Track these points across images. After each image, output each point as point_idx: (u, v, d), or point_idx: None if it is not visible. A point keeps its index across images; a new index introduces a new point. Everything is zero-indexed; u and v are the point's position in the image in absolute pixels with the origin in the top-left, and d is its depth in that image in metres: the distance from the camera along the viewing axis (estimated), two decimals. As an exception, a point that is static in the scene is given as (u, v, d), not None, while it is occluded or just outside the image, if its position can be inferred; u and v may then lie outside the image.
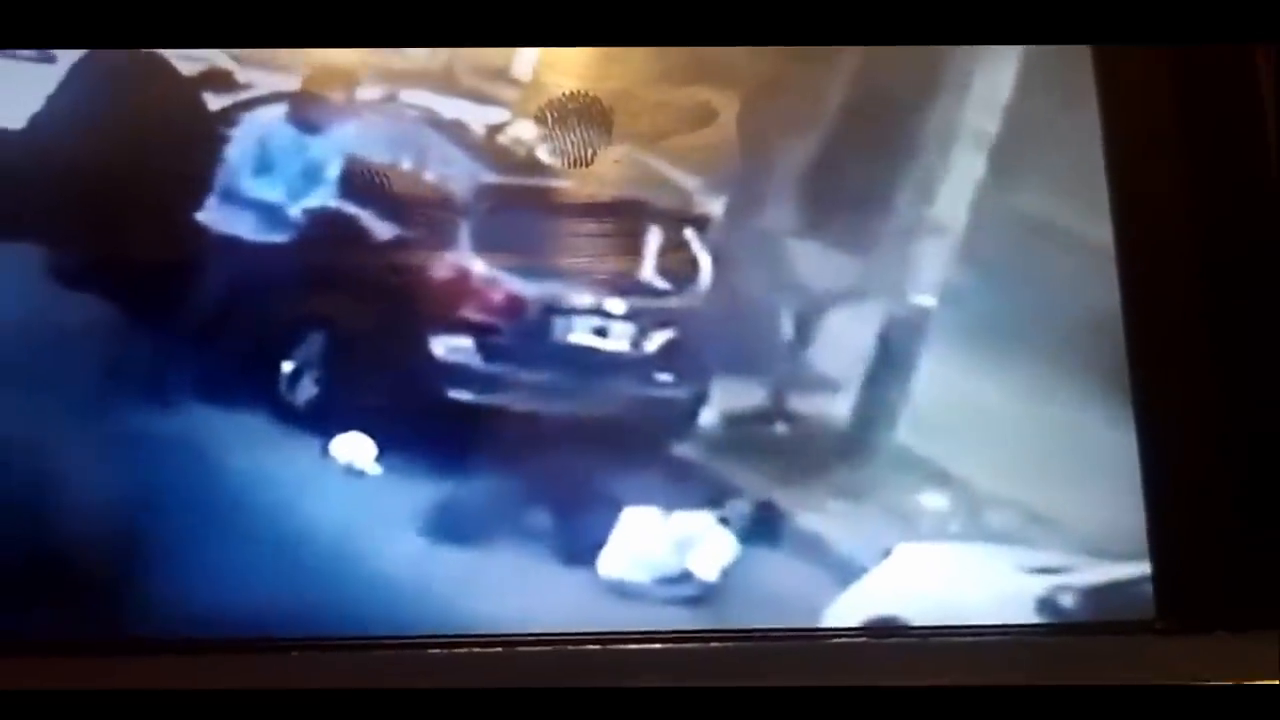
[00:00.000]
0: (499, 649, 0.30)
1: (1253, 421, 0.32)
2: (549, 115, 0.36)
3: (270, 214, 0.35)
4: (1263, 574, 0.31)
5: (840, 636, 0.32)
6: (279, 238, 0.35)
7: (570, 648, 0.30)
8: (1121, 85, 0.34)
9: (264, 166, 0.36)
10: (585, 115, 0.35)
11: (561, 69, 0.36)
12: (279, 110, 0.36)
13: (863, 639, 0.31)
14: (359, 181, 0.35)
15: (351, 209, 0.35)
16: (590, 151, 0.35)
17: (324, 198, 0.35)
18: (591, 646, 0.30)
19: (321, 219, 0.35)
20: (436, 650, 0.31)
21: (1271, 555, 0.31)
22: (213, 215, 0.35)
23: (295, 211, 0.35)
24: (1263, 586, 0.31)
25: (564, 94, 0.35)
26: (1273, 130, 0.33)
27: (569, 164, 0.35)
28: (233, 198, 0.35)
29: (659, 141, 0.35)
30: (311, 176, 0.36)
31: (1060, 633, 0.32)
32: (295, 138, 0.36)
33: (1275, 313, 0.32)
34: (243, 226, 0.35)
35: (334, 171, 0.35)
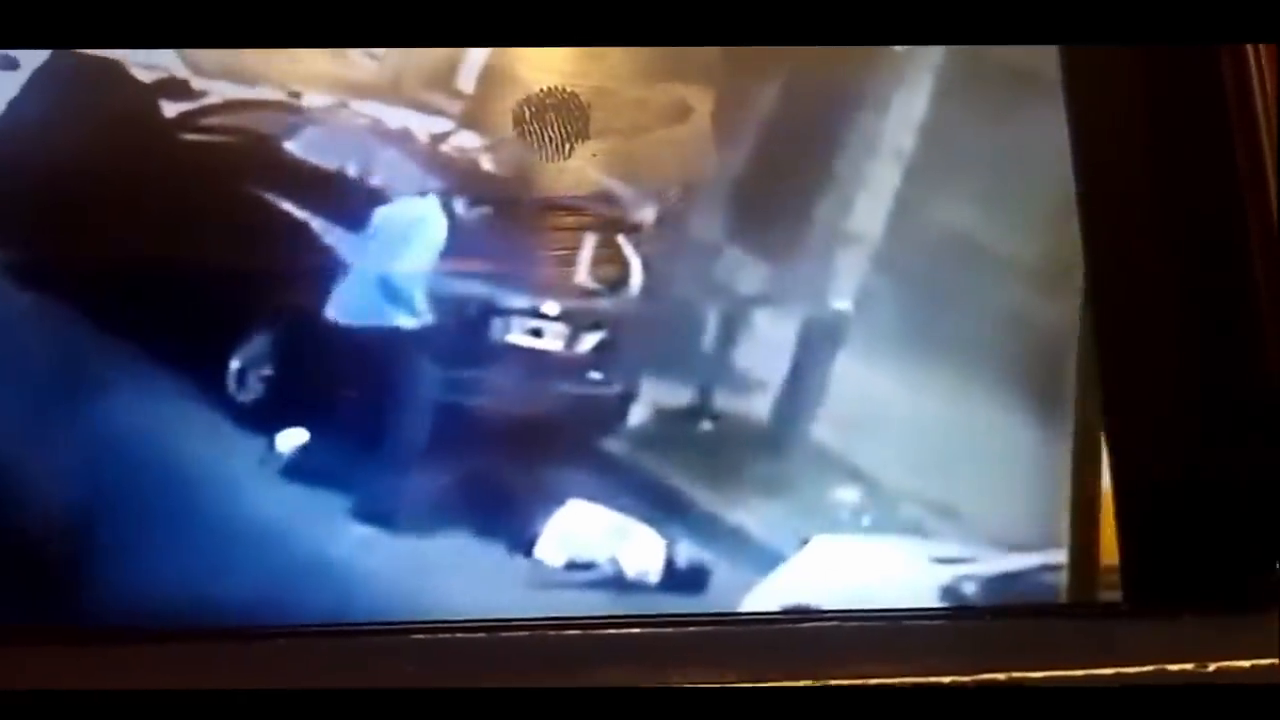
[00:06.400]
0: (442, 635, 0.30)
1: (1211, 415, 0.32)
2: (526, 111, 0.36)
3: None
4: (1226, 558, 0.31)
5: (814, 620, 0.32)
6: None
7: (501, 634, 0.30)
8: (1089, 84, 0.34)
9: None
10: (562, 111, 0.36)
11: (539, 65, 0.36)
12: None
13: (834, 623, 0.31)
14: (306, 186, 0.36)
15: (299, 213, 0.36)
16: (568, 147, 0.35)
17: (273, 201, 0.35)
18: (520, 633, 0.30)
19: (271, 222, 0.35)
20: (383, 637, 0.31)
21: (1234, 539, 0.31)
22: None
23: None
24: (1226, 570, 0.31)
25: (541, 90, 0.35)
26: (1238, 134, 0.33)
27: (547, 159, 0.35)
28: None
29: (636, 137, 0.35)
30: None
31: (1009, 616, 0.32)
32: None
33: (1237, 316, 0.32)
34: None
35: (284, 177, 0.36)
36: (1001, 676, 0.27)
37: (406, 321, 0.35)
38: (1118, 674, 0.27)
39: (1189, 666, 0.27)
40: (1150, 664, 0.27)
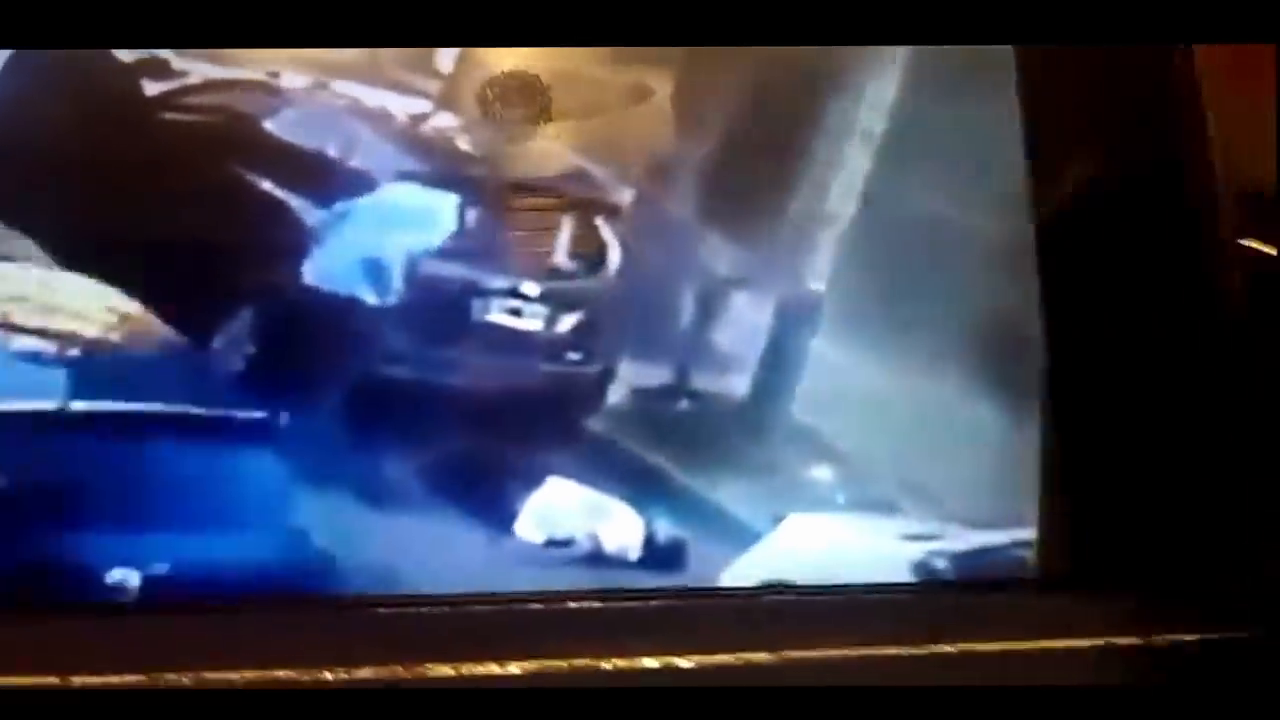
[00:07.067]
0: (410, 609, 0.31)
1: (1160, 392, 0.33)
2: (489, 92, 0.36)
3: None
4: (1172, 534, 0.32)
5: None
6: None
7: (473, 607, 0.31)
8: (1040, 79, 0.35)
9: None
10: (525, 93, 0.36)
11: (503, 47, 0.36)
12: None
13: (792, 595, 0.32)
14: (287, 166, 0.36)
15: (280, 193, 0.36)
16: (531, 128, 0.36)
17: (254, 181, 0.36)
18: (490, 607, 0.31)
19: (250, 201, 0.36)
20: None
21: (1180, 516, 0.32)
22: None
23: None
24: (1172, 546, 0.32)
25: (504, 72, 0.36)
26: (1190, 127, 0.33)
27: (511, 140, 0.36)
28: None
29: (595, 117, 0.36)
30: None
31: (958, 590, 0.33)
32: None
33: (1184, 293, 0.33)
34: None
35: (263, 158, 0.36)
36: (952, 649, 0.28)
37: (388, 301, 0.35)
38: (1067, 646, 0.28)
39: (1136, 640, 0.28)
40: (1098, 637, 0.28)
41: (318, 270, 0.35)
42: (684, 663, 0.28)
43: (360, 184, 0.36)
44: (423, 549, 0.33)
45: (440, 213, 0.36)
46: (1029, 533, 0.33)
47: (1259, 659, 0.29)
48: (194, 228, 0.35)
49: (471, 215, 0.36)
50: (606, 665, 0.28)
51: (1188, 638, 0.29)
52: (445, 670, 0.28)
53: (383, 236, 0.36)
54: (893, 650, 0.28)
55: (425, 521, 0.33)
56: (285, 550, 0.33)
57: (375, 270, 0.35)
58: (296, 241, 0.35)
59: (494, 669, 0.28)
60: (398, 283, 0.35)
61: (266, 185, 0.36)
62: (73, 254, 0.35)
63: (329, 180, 0.36)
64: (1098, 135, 0.33)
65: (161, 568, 0.32)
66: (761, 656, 0.28)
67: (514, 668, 0.28)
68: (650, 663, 0.28)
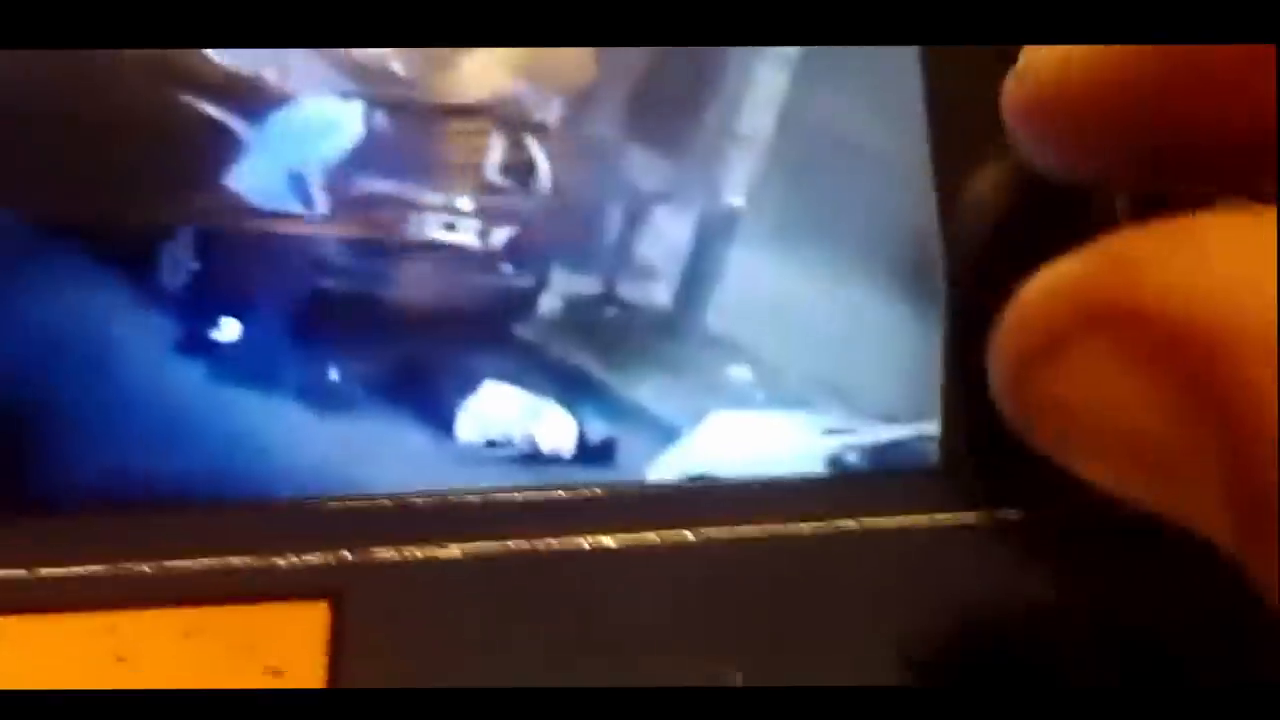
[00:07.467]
0: (356, 505, 0.33)
1: None
2: None
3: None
4: None
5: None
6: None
7: (415, 501, 0.33)
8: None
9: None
10: None
11: None
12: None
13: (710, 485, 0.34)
14: (227, 89, 0.37)
15: (220, 115, 0.37)
16: (462, 51, 0.37)
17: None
18: (432, 500, 0.33)
19: (192, 123, 0.37)
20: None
21: None
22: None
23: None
24: None
25: None
26: None
27: (441, 63, 0.37)
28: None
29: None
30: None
31: (858, 478, 0.35)
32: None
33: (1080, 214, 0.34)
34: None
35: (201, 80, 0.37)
36: (855, 525, 0.31)
37: (328, 215, 0.37)
38: (957, 522, 0.31)
39: (1019, 515, 0.31)
40: (988, 512, 0.31)
41: (252, 187, 0.37)
42: (610, 542, 0.30)
43: (294, 103, 0.37)
44: (368, 453, 0.35)
45: (373, 132, 0.37)
46: (933, 426, 0.36)
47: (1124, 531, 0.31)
48: (138, 151, 0.36)
49: (405, 134, 0.37)
50: (540, 546, 0.30)
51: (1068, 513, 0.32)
52: (389, 554, 0.30)
53: (317, 154, 0.37)
54: (801, 528, 0.31)
55: (369, 426, 0.35)
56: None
57: (308, 187, 0.37)
58: (230, 160, 0.37)
59: (435, 551, 0.30)
60: (334, 198, 0.37)
61: (203, 107, 0.37)
62: (22, 178, 0.36)
63: (263, 100, 0.37)
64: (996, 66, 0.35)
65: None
66: (683, 535, 0.30)
67: (454, 550, 0.30)
68: (581, 543, 0.30)
